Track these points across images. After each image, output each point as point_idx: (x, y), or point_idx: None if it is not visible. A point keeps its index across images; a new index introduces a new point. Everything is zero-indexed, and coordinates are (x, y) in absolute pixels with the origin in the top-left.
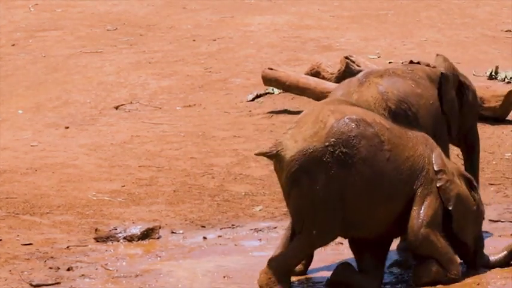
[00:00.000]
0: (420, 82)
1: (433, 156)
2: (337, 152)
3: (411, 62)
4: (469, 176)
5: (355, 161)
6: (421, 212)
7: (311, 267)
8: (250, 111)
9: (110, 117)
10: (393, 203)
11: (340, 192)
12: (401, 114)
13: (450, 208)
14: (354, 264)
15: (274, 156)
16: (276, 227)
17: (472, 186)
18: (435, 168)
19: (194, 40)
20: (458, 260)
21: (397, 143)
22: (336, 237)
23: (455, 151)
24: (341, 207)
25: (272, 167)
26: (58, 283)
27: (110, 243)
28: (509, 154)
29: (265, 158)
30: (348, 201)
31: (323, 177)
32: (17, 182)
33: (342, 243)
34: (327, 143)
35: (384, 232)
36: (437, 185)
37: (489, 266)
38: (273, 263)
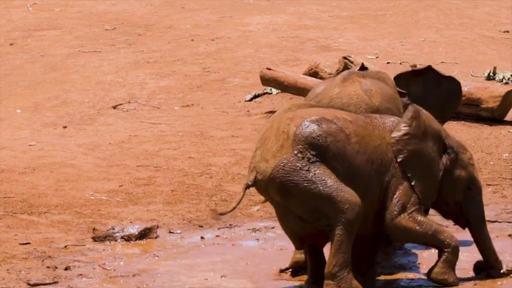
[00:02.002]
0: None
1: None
2: (307, 156)
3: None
4: (450, 145)
5: (328, 159)
6: (394, 200)
7: None
8: (248, 111)
9: (108, 116)
10: (372, 194)
11: (334, 178)
12: (385, 112)
13: (399, 160)
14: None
15: (255, 185)
16: (273, 227)
17: (452, 158)
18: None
19: (192, 40)
20: (448, 233)
21: (363, 134)
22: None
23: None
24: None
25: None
26: (56, 282)
27: (107, 242)
28: (507, 155)
29: None
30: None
31: (309, 179)
32: (15, 182)
33: None
34: (296, 151)
35: (371, 227)
36: (392, 136)
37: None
38: (330, 276)
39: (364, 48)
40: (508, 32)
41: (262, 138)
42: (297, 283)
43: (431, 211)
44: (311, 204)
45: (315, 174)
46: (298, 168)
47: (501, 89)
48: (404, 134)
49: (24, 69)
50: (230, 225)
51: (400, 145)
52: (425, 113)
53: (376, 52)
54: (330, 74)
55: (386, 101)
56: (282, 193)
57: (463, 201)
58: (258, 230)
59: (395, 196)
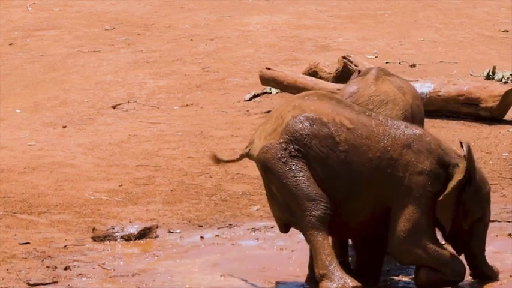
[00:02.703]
0: None
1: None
2: (290, 148)
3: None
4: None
5: (309, 158)
6: (400, 224)
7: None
8: (247, 110)
9: (107, 116)
10: (354, 203)
11: (309, 177)
12: (415, 108)
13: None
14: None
15: (247, 156)
16: (273, 227)
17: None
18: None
19: (192, 40)
20: (458, 261)
21: (357, 144)
22: (327, 212)
23: None
24: (317, 187)
25: None
26: (55, 282)
27: (107, 242)
28: (506, 154)
29: None
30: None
31: (283, 171)
32: (15, 181)
33: None
34: (281, 140)
35: (361, 232)
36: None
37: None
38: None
39: (363, 48)
40: (507, 31)
41: (269, 115)
42: (297, 282)
43: None
44: (284, 197)
45: (290, 168)
46: (278, 157)
47: (500, 89)
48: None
49: (23, 69)
50: (230, 224)
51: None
52: (478, 168)
53: (375, 52)
54: (329, 73)
55: (416, 98)
56: (265, 175)
57: (467, 231)
58: (257, 229)
59: (401, 218)
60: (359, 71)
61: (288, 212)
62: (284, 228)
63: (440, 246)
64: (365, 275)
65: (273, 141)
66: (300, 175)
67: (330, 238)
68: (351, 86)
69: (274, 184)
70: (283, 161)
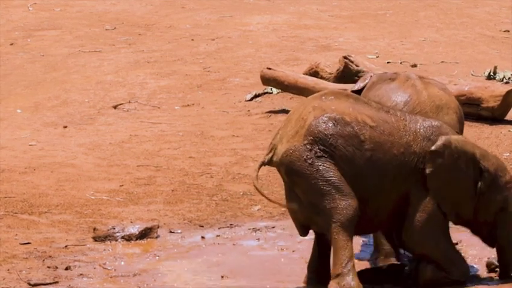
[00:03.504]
0: None
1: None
2: (315, 149)
3: None
4: (486, 168)
5: (335, 158)
6: (416, 214)
7: None
8: (248, 110)
9: (108, 116)
10: (380, 200)
11: (337, 178)
12: (460, 109)
13: (431, 191)
14: None
15: (269, 163)
16: (274, 227)
17: (482, 176)
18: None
19: (193, 40)
20: (465, 262)
21: (382, 141)
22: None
23: None
24: (348, 186)
25: (270, 167)
26: (56, 282)
27: (108, 242)
28: (508, 154)
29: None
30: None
31: (310, 173)
32: (16, 181)
33: None
34: (305, 142)
35: (384, 227)
36: (426, 169)
37: None
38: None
39: (364, 48)
40: (509, 31)
41: (287, 118)
42: (297, 283)
43: None
44: (311, 197)
45: (317, 169)
46: (303, 159)
47: (501, 89)
48: (438, 166)
49: (24, 69)
50: (231, 225)
51: (433, 178)
52: (457, 139)
53: (376, 52)
54: (330, 73)
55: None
56: (289, 179)
57: (493, 222)
58: (258, 229)
59: (418, 208)
60: (370, 75)
61: (313, 213)
62: (304, 231)
63: (452, 243)
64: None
65: (296, 143)
66: (329, 174)
67: (352, 240)
68: (400, 95)
69: (301, 186)
70: (310, 162)
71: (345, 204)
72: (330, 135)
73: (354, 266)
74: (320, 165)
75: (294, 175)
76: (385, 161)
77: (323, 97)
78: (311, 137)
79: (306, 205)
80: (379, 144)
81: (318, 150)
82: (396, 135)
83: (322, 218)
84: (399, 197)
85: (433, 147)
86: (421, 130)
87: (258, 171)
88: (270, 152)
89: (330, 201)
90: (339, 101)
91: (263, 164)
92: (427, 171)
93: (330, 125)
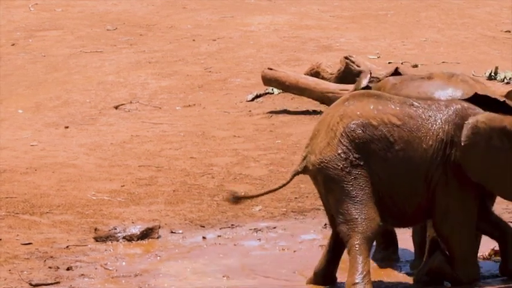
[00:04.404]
0: None
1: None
2: (350, 158)
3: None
4: None
5: (370, 164)
6: (446, 204)
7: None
8: (250, 111)
9: (109, 117)
10: (417, 196)
11: (372, 189)
12: None
13: (462, 144)
14: None
15: (303, 172)
16: (275, 227)
17: None
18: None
19: (194, 40)
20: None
21: (411, 139)
22: (382, 228)
23: None
24: (377, 201)
25: (271, 167)
26: (57, 283)
27: (109, 242)
28: None
29: (265, 158)
30: (380, 194)
31: (348, 181)
32: (17, 182)
33: None
34: (339, 151)
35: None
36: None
37: None
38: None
39: (365, 48)
40: (510, 31)
41: (316, 129)
42: (299, 283)
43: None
44: (342, 205)
45: (354, 177)
46: (340, 168)
47: (502, 89)
48: (474, 156)
49: (25, 70)
50: (232, 225)
51: (473, 168)
52: (483, 120)
53: (377, 52)
54: (331, 74)
55: None
56: (325, 186)
57: None
58: (259, 230)
59: (448, 198)
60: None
61: (339, 221)
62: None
63: (474, 243)
64: None
65: (330, 154)
66: (364, 185)
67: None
68: (448, 91)
69: (336, 194)
70: (347, 170)
71: (372, 217)
72: (362, 142)
73: (370, 277)
74: (357, 173)
75: (331, 182)
76: (417, 158)
77: (346, 103)
78: (344, 147)
79: (334, 213)
80: (409, 142)
81: (354, 159)
82: (424, 129)
83: (348, 227)
84: (434, 189)
85: (463, 140)
86: (446, 116)
87: (290, 180)
88: (303, 161)
89: (360, 211)
90: (362, 104)
91: (297, 173)
92: (466, 165)
93: (360, 132)
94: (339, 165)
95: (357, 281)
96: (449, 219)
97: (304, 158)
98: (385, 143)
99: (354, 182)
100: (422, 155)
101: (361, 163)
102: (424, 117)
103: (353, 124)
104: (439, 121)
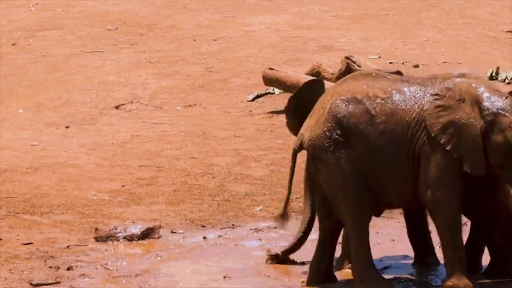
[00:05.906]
0: None
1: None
2: (333, 135)
3: None
4: (487, 107)
5: (351, 141)
6: (427, 174)
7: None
8: (250, 111)
9: (110, 116)
10: (402, 170)
11: (356, 169)
12: None
13: (433, 135)
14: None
15: (299, 150)
16: (276, 227)
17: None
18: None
19: (195, 40)
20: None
21: (394, 112)
22: (372, 212)
23: None
24: (363, 181)
25: (272, 167)
26: (58, 282)
27: (110, 242)
28: None
29: (265, 158)
30: (367, 175)
31: (333, 161)
32: (17, 182)
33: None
34: (324, 129)
35: (414, 200)
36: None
37: None
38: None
39: (366, 48)
40: (511, 32)
41: (315, 106)
42: (299, 283)
43: None
44: (329, 188)
45: (339, 157)
46: (325, 146)
47: (504, 89)
48: (436, 107)
49: (26, 69)
50: (233, 225)
51: (432, 119)
52: (462, 82)
53: (378, 52)
54: (332, 74)
55: None
56: (314, 165)
57: (507, 165)
58: (260, 230)
59: (428, 167)
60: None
61: (332, 204)
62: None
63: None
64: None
65: (317, 131)
66: (347, 168)
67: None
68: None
69: (322, 174)
70: (331, 149)
71: (359, 205)
72: (343, 117)
73: (370, 263)
74: (341, 152)
75: (318, 161)
76: (398, 131)
77: (342, 81)
78: (329, 124)
79: (328, 195)
80: (391, 115)
81: (336, 136)
82: (410, 102)
83: (340, 212)
84: (414, 165)
85: (436, 89)
86: (435, 90)
87: (294, 161)
88: (299, 139)
89: (345, 195)
90: (355, 82)
91: (295, 151)
92: (425, 111)
93: (342, 106)
94: (325, 144)
95: (356, 267)
96: (432, 191)
97: (300, 136)
98: (366, 117)
99: (338, 161)
100: (404, 128)
101: (343, 140)
102: (412, 90)
103: (338, 100)
104: (428, 95)
